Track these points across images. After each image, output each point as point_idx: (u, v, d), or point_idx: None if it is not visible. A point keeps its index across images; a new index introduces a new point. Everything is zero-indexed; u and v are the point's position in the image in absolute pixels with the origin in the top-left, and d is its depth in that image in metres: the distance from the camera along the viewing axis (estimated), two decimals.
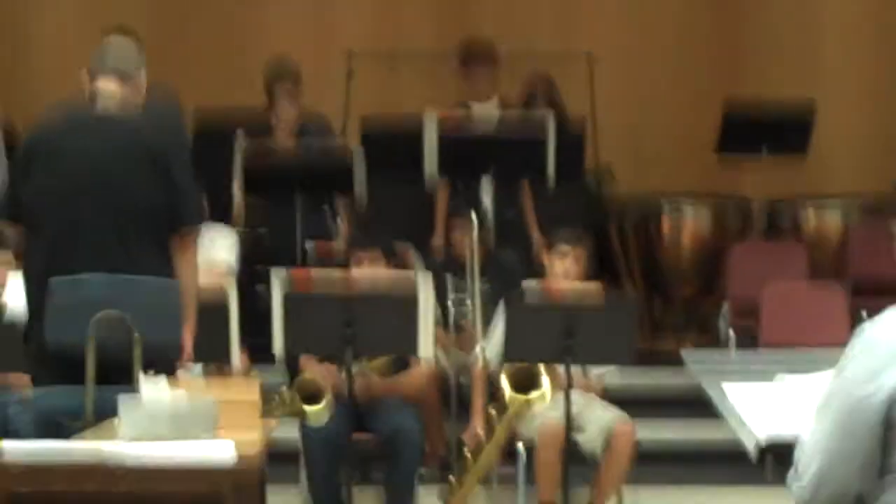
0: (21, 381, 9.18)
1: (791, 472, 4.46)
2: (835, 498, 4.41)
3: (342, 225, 11.87)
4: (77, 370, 6.78)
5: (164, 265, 7.43)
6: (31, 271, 7.51)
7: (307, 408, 9.35)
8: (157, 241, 7.47)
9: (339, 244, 11.38)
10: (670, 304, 12.80)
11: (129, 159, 7.45)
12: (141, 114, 7.63)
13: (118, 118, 7.55)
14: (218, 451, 5.64)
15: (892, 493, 4.35)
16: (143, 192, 7.41)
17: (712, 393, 4.99)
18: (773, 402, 4.87)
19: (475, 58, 12.43)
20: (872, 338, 4.31)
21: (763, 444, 4.77)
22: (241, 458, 5.63)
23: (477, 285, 10.67)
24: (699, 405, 10.92)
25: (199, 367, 8.50)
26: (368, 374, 9.73)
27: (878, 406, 4.27)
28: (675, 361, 10.78)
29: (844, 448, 4.34)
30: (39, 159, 7.51)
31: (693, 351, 5.50)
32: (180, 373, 7.45)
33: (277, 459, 8.47)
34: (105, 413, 6.33)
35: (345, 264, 10.22)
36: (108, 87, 7.56)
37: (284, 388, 9.34)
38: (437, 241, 11.70)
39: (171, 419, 5.76)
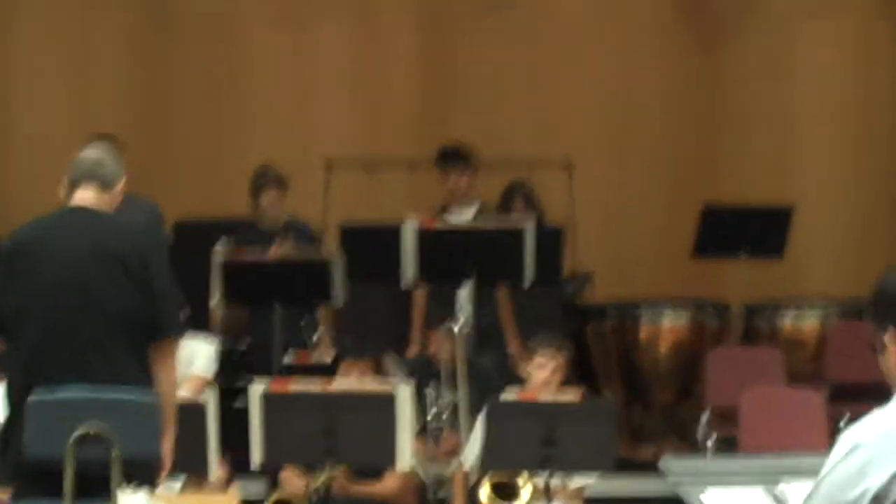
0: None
1: None
2: None
3: (323, 333, 11.88)
4: (56, 484, 6.79)
5: (141, 372, 7.44)
6: (11, 379, 7.50)
7: None
8: (134, 348, 7.48)
9: (318, 353, 11.37)
10: (649, 409, 12.79)
11: (103, 266, 7.48)
12: (116, 218, 7.69)
13: (102, 220, 7.61)
14: None
15: None
16: (117, 296, 7.44)
17: (693, 502, 4.98)
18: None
19: (453, 160, 12.47)
20: (854, 443, 4.36)
21: None
22: None
23: (462, 393, 10.68)
24: None
25: (181, 479, 8.47)
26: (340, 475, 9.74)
27: None
28: (655, 470, 10.86)
29: None
30: (17, 266, 7.54)
31: (672, 460, 5.49)
32: (161, 486, 7.49)
33: None
34: None
35: (325, 372, 10.23)
36: (86, 197, 7.60)
37: None
38: (414, 348, 11.70)
39: None
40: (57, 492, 6.74)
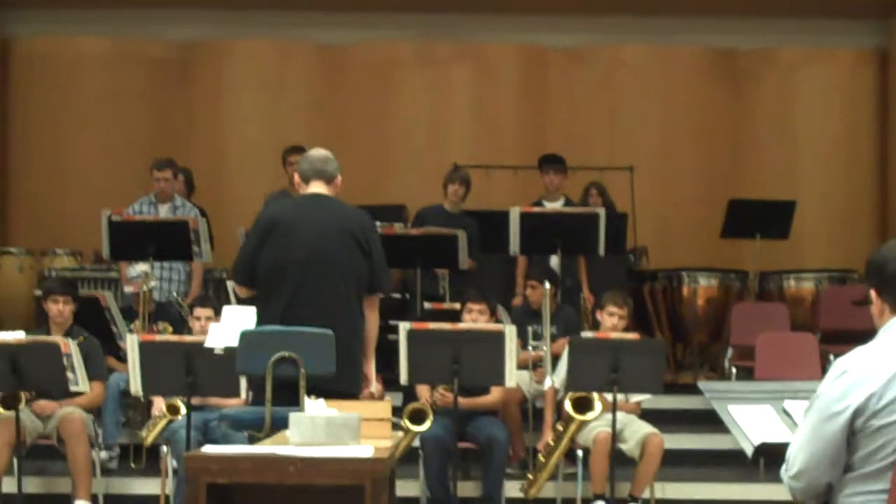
0: (221, 402, 9.24)
1: (783, 468, 4.46)
2: (812, 486, 4.40)
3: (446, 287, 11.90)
4: (263, 393, 6.80)
5: (360, 316, 7.62)
6: (266, 321, 7.45)
7: (413, 427, 9.37)
8: (357, 300, 7.61)
9: (448, 305, 11.31)
10: (689, 347, 12.76)
11: (342, 240, 7.53)
12: (345, 204, 7.77)
13: (334, 205, 7.66)
14: (360, 453, 5.62)
15: (850, 486, 4.32)
16: (351, 265, 7.51)
17: (721, 413, 4.92)
18: (764, 419, 4.84)
19: (550, 163, 12.42)
20: (842, 369, 4.32)
21: (756, 447, 4.74)
22: (376, 458, 5.61)
23: (548, 332, 10.63)
24: (711, 422, 10.92)
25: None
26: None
27: (844, 420, 4.27)
28: (693, 391, 10.78)
29: (820, 449, 4.33)
30: (276, 232, 7.57)
31: (706, 382, 5.50)
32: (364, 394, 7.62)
33: (404, 460, 8.51)
34: (280, 425, 6.34)
35: (453, 318, 10.20)
36: (319, 187, 7.64)
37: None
38: (518, 300, 11.65)
39: (328, 427, 5.75)
40: (263, 400, 6.74)
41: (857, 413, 4.28)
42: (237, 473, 5.60)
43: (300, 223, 7.55)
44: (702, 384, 5.43)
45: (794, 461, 4.41)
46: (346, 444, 5.74)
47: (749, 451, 4.79)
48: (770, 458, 4.73)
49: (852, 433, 4.29)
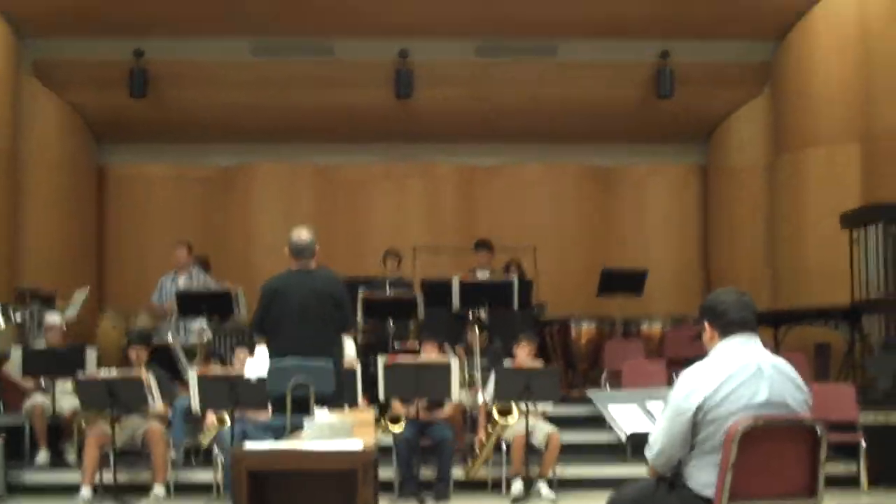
0: (253, 415, 9.18)
1: (647, 449, 4.48)
2: (668, 461, 4.42)
3: (412, 333, 11.86)
4: (284, 406, 6.76)
5: (335, 348, 7.64)
6: (273, 355, 7.55)
7: (391, 427, 9.34)
8: (335, 336, 7.69)
9: (411, 343, 11.30)
10: (576, 372, 12.71)
11: (323, 297, 7.62)
12: (323, 273, 7.75)
13: (316, 275, 7.70)
14: (353, 445, 5.59)
15: (694, 459, 4.35)
16: (329, 314, 7.61)
17: (603, 411, 4.95)
18: (632, 415, 4.86)
19: (481, 247, 12.46)
20: (685, 377, 4.35)
21: (628, 435, 4.77)
22: (364, 449, 5.57)
23: (478, 362, 10.63)
24: (593, 424, 10.95)
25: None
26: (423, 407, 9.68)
27: (689, 414, 4.31)
28: (580, 402, 10.83)
29: (673, 435, 4.36)
30: (276, 297, 7.64)
31: (592, 390, 5.55)
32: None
33: (382, 452, 8.46)
34: (298, 428, 6.30)
35: (416, 351, 10.21)
36: (304, 263, 7.68)
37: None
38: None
39: (330, 429, 5.72)
40: (285, 410, 6.69)
41: (697, 409, 4.31)
42: (269, 462, 5.58)
43: (292, 289, 7.64)
44: (590, 392, 5.47)
45: (655, 444, 4.43)
46: (343, 438, 5.72)
47: (623, 438, 4.81)
48: (636, 443, 4.74)
49: (695, 423, 4.32)
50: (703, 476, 4.33)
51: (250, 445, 5.89)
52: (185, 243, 12.37)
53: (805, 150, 12.96)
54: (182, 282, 12.02)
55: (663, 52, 13.98)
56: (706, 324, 4.53)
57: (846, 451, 9.56)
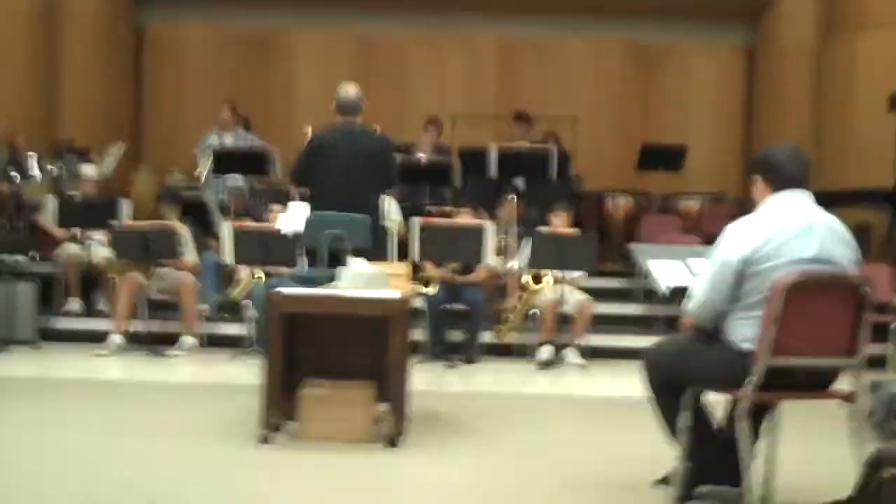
0: (284, 270, 9.13)
1: (688, 300, 4.38)
2: (710, 313, 4.33)
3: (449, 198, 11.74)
4: (319, 259, 6.72)
5: (378, 204, 7.63)
6: (313, 208, 7.53)
7: (423, 289, 9.27)
8: (377, 193, 7.65)
9: (446, 209, 11.17)
10: (610, 246, 12.54)
11: (369, 153, 7.52)
12: (370, 131, 7.69)
13: (362, 131, 7.60)
14: (389, 294, 5.53)
15: (736, 312, 4.24)
16: (373, 171, 7.53)
17: (643, 265, 4.86)
18: (673, 270, 4.75)
19: (520, 119, 12.26)
20: (733, 228, 4.26)
21: (667, 287, 4.67)
22: (400, 298, 5.53)
23: (514, 229, 10.55)
24: (624, 297, 10.88)
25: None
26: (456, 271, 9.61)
27: (734, 265, 4.19)
28: (611, 275, 10.71)
29: (716, 286, 4.25)
30: (323, 151, 7.55)
31: (635, 244, 5.45)
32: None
33: (413, 315, 8.40)
34: (333, 280, 6.24)
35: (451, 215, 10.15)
36: (350, 119, 7.57)
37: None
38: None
39: (366, 278, 5.66)
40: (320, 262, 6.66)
41: (744, 260, 4.19)
42: (303, 305, 5.54)
43: (339, 144, 7.55)
44: (631, 245, 5.35)
45: (698, 295, 4.33)
46: (379, 289, 5.66)
47: (664, 290, 4.70)
48: (676, 295, 4.63)
49: (740, 275, 4.20)
50: (744, 330, 4.22)
51: (286, 290, 5.85)
52: (230, 103, 12.28)
53: (857, 33, 12.63)
54: (228, 140, 11.94)
55: None
56: (758, 177, 4.38)
57: (879, 332, 9.46)
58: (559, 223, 9.85)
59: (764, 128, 14.52)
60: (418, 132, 12.23)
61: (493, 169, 10.96)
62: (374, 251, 7.12)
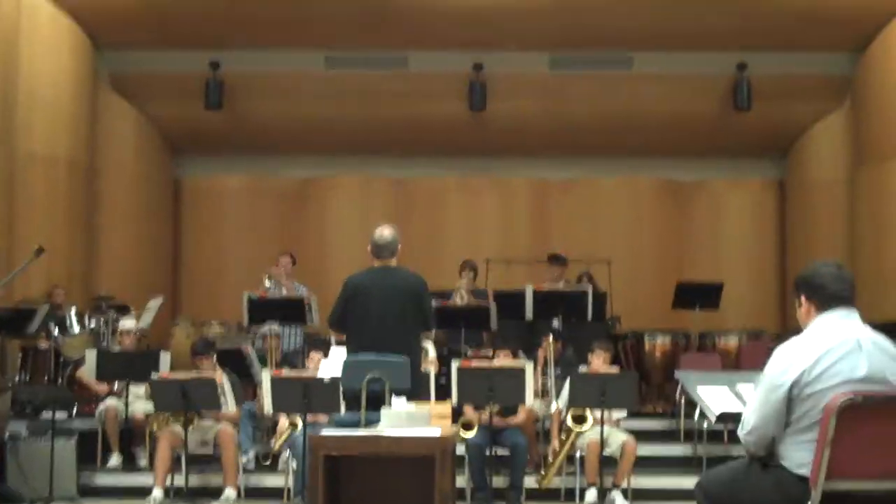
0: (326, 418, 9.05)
1: (739, 428, 4.28)
2: (762, 439, 4.23)
3: (486, 342, 11.69)
4: (358, 402, 6.66)
5: (416, 346, 7.64)
6: (350, 351, 7.53)
7: (463, 433, 9.15)
8: (414, 334, 7.63)
9: (484, 351, 11.12)
10: (650, 387, 12.41)
11: (405, 296, 7.54)
12: (406, 273, 7.68)
13: (397, 273, 7.62)
14: (431, 433, 5.47)
15: (789, 437, 4.14)
16: (410, 313, 7.53)
17: (691, 392, 4.78)
18: (722, 397, 4.68)
19: (554, 260, 12.28)
20: (781, 351, 4.20)
21: (717, 415, 4.58)
22: (443, 436, 5.46)
23: (552, 371, 10.46)
24: (666, 438, 10.72)
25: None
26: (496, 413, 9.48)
27: (785, 389, 4.12)
28: (652, 416, 10.57)
29: (767, 412, 4.16)
30: (358, 294, 7.54)
31: (682, 371, 5.36)
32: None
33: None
34: (373, 423, 6.17)
35: (490, 357, 10.07)
36: (386, 261, 7.62)
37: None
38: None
39: (408, 417, 5.60)
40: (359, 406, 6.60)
41: (793, 384, 4.12)
42: (345, 448, 5.48)
43: (374, 287, 7.54)
44: (678, 373, 5.28)
45: (749, 422, 4.23)
46: (421, 427, 5.59)
47: (713, 418, 4.62)
48: (725, 422, 4.54)
49: (790, 399, 4.12)
50: (798, 454, 4.12)
51: (328, 431, 5.80)
52: (288, 252, 12.57)
53: (888, 162, 12.69)
54: (285, 289, 12.20)
55: (740, 65, 13.81)
56: (802, 298, 4.33)
57: None
58: (599, 363, 9.78)
59: (799, 261, 14.44)
60: (453, 275, 12.28)
61: (529, 311, 10.94)
62: (414, 393, 7.06)
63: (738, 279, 14.10)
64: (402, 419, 5.62)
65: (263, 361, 11.17)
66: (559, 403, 9.70)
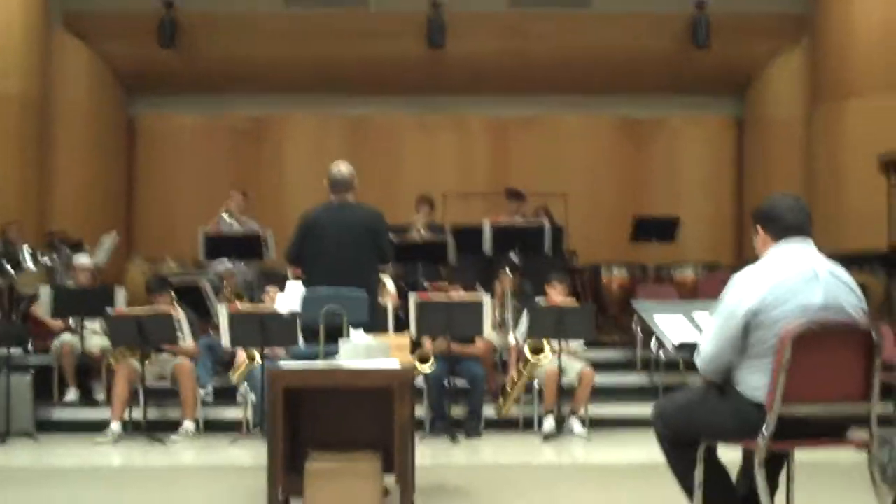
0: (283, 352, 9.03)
1: (696, 355, 4.31)
2: (719, 366, 4.27)
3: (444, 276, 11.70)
4: (316, 336, 6.64)
5: (373, 280, 7.48)
6: (308, 286, 7.40)
7: (420, 367, 9.17)
8: (372, 268, 7.50)
9: (442, 284, 11.13)
10: (607, 318, 12.47)
11: (361, 230, 7.44)
12: (363, 207, 7.57)
13: (354, 207, 7.52)
14: (389, 364, 5.46)
15: (745, 363, 4.18)
16: (367, 246, 7.41)
17: (648, 321, 4.79)
18: (678, 325, 4.70)
19: (512, 195, 12.28)
20: (738, 280, 4.22)
21: (675, 345, 4.60)
22: (401, 368, 5.46)
23: (509, 302, 10.50)
24: (622, 367, 10.80)
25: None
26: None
27: (740, 316, 4.14)
28: (609, 346, 10.63)
29: (724, 339, 4.20)
30: (314, 231, 7.48)
31: (638, 300, 5.43)
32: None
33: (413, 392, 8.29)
34: (332, 356, 6.15)
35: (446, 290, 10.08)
36: (343, 196, 7.50)
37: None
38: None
39: (366, 349, 5.59)
40: (317, 340, 6.57)
41: (750, 312, 4.14)
42: (305, 379, 5.46)
43: (331, 221, 7.48)
44: (634, 302, 5.30)
45: (706, 349, 4.27)
46: (379, 358, 5.58)
47: (671, 347, 4.65)
48: (684, 351, 4.57)
49: (746, 326, 4.15)
50: (754, 379, 4.17)
51: (287, 364, 5.79)
52: (240, 190, 12.49)
53: (845, 101, 12.76)
54: (238, 224, 12.14)
55: (699, 2, 13.80)
56: (759, 228, 4.36)
57: (884, 391, 9.39)
58: (556, 294, 9.82)
59: (755, 196, 14.55)
60: (410, 212, 12.26)
61: (487, 245, 10.96)
62: (373, 326, 7.05)
63: (695, 215, 14.18)
64: (361, 351, 5.60)
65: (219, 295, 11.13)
66: (517, 335, 9.75)
